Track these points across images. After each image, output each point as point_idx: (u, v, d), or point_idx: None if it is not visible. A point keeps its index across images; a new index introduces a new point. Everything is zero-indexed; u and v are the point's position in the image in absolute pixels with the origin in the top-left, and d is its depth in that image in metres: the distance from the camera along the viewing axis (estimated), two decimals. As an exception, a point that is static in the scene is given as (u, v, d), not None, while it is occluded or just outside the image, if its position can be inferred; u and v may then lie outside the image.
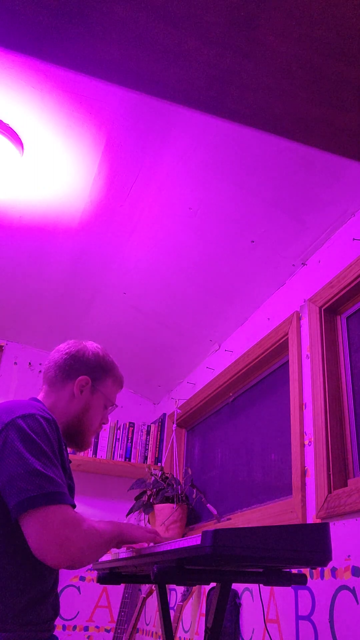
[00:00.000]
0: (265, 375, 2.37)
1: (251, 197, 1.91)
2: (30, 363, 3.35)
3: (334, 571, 1.56)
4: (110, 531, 1.26)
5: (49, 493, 1.10)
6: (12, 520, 1.13)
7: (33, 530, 1.09)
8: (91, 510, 3.16)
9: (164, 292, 2.52)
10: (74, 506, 1.16)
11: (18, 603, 1.15)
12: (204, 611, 2.27)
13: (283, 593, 1.76)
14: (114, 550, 1.47)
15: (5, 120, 1.74)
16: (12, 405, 1.24)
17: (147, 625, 2.90)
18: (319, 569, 1.61)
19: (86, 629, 3.00)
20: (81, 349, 1.45)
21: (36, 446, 1.15)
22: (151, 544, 1.37)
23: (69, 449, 1.44)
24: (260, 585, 1.61)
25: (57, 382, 1.41)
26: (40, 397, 1.42)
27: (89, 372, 1.42)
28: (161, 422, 3.26)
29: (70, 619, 2.99)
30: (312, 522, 1.53)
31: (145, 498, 2.71)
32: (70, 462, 1.39)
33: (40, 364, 3.36)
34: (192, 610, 2.42)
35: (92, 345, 1.48)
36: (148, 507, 2.68)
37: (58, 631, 1.32)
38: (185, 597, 2.30)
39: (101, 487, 3.24)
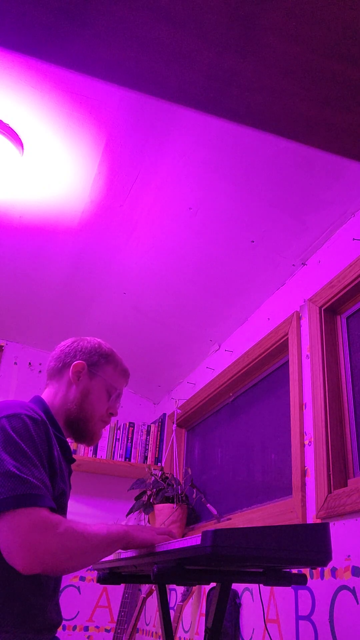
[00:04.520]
0: (265, 375, 2.37)
1: (251, 197, 1.91)
2: (30, 363, 3.35)
3: (334, 571, 1.56)
4: (107, 534, 1.17)
5: (20, 495, 1.05)
6: None
7: (1, 534, 1.05)
8: (91, 510, 3.16)
9: (164, 292, 2.52)
10: (52, 509, 1.10)
11: (16, 608, 1.13)
12: (204, 611, 2.27)
13: (283, 593, 1.76)
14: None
15: (5, 120, 1.74)
16: (0, 406, 1.21)
17: (147, 625, 2.90)
18: (319, 569, 1.61)
19: (86, 629, 3.00)
20: (77, 340, 1.44)
21: (16, 447, 1.11)
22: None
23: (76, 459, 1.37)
24: (260, 585, 1.61)
25: (55, 373, 1.40)
26: (43, 393, 1.40)
27: (85, 357, 1.40)
28: (161, 422, 3.26)
29: (70, 619, 2.99)
30: (312, 522, 1.53)
31: (145, 498, 2.71)
32: (73, 461, 1.36)
33: (40, 364, 3.36)
34: (192, 610, 2.42)
35: (89, 337, 1.46)
36: (148, 507, 2.68)
37: (58, 631, 1.30)
38: (185, 597, 2.30)
39: (101, 487, 3.24)
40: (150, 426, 3.24)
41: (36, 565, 1.05)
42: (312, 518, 1.72)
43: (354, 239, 1.83)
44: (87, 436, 1.40)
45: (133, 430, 3.20)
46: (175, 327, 2.76)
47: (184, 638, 2.41)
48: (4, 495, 1.05)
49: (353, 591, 1.47)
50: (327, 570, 1.59)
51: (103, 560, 1.53)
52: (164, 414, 3.27)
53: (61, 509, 1.22)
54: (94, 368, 1.40)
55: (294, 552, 1.02)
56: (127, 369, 1.47)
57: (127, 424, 3.21)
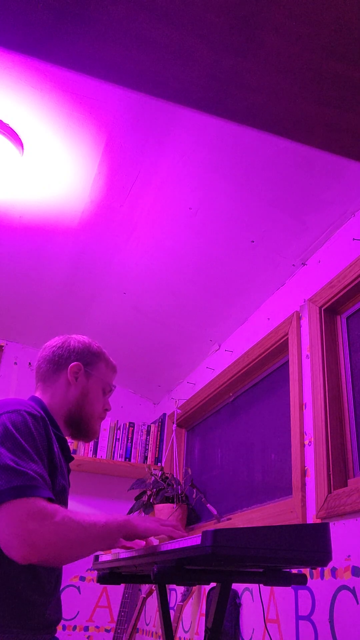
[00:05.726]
0: (265, 375, 2.37)
1: (251, 197, 1.91)
2: (30, 363, 3.35)
3: (334, 571, 1.56)
4: (105, 523, 1.17)
5: (16, 487, 1.05)
6: None
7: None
8: (91, 511, 3.15)
9: (164, 292, 2.52)
10: (51, 500, 1.10)
11: (16, 607, 1.12)
12: (204, 611, 2.27)
13: (283, 593, 1.76)
14: (114, 550, 1.46)
15: (5, 120, 1.74)
16: (0, 404, 1.23)
17: (147, 625, 2.90)
18: (319, 569, 1.61)
19: (86, 629, 3.00)
20: (66, 340, 1.48)
21: (14, 442, 1.12)
22: (155, 541, 1.34)
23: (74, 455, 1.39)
24: (260, 585, 1.61)
25: (50, 375, 1.42)
26: (37, 394, 1.41)
27: (79, 358, 1.43)
28: (161, 422, 3.26)
29: (70, 619, 2.99)
30: (312, 522, 1.53)
31: (145, 498, 2.71)
32: (72, 459, 1.38)
33: (40, 364, 3.36)
34: (192, 610, 2.42)
35: (77, 336, 1.50)
36: (148, 507, 2.68)
37: (58, 631, 1.29)
38: (185, 597, 2.30)
39: (101, 487, 3.24)
40: (150, 426, 3.24)
41: (33, 555, 1.05)
42: (312, 518, 1.72)
43: (354, 239, 1.83)
44: (88, 434, 1.43)
45: (133, 430, 3.20)
46: (175, 327, 2.76)
47: (184, 638, 2.41)
48: (1, 487, 1.05)
49: (353, 591, 1.47)
50: (327, 570, 1.59)
51: (103, 560, 1.53)
52: (164, 414, 3.27)
53: (62, 506, 1.22)
54: (89, 368, 1.43)
55: (294, 552, 1.02)
56: (115, 365, 1.52)
57: (127, 424, 3.21)
